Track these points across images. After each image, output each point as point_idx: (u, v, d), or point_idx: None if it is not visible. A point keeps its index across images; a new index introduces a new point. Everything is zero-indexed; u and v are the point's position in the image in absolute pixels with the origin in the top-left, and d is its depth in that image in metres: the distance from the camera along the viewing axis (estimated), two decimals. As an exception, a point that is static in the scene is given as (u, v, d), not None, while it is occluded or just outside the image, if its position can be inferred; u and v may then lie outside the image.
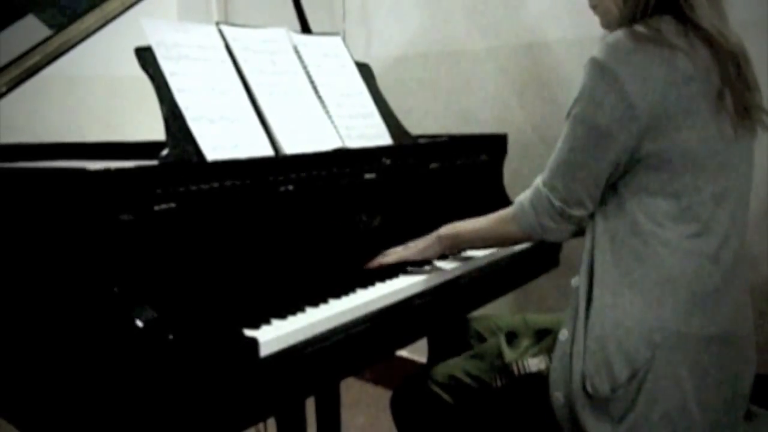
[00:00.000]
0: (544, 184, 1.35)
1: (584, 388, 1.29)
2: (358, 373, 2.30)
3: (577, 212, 1.33)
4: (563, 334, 1.35)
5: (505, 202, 1.45)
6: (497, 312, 1.85)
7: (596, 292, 1.31)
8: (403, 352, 2.65)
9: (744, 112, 1.27)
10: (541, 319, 1.66)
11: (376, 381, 2.69)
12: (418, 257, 1.56)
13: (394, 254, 1.55)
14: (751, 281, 1.42)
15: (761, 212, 1.97)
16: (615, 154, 1.26)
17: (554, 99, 2.38)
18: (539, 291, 2.35)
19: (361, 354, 1.36)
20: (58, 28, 1.77)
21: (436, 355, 1.79)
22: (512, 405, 1.43)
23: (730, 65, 1.25)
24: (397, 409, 1.60)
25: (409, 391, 1.58)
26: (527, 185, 1.41)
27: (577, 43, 2.28)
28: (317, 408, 2.00)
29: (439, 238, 1.56)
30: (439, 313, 1.58)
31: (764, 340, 1.92)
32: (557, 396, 1.33)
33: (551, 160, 1.34)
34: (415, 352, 2.56)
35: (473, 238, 1.56)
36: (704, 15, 1.25)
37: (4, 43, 1.72)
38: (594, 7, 1.39)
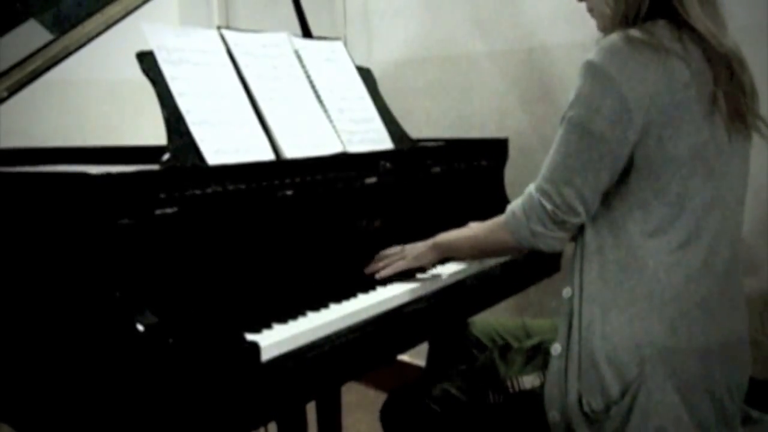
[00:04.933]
0: (537, 189, 1.33)
1: (580, 406, 1.29)
2: (359, 378, 2.30)
3: (570, 219, 1.31)
4: (555, 349, 1.34)
5: (507, 206, 1.44)
6: (497, 315, 1.84)
7: (585, 305, 1.30)
8: (403, 357, 2.65)
9: (737, 115, 1.26)
10: (540, 324, 1.65)
11: (377, 385, 2.69)
12: (413, 265, 1.54)
13: (391, 264, 1.52)
14: (751, 286, 1.42)
15: (761, 215, 1.97)
16: (611, 159, 1.25)
17: (555, 103, 2.38)
18: (539, 294, 2.36)
19: (362, 358, 1.36)
20: (59, 32, 1.77)
21: (435, 359, 1.79)
22: (507, 422, 1.42)
23: (722, 68, 1.24)
24: (387, 421, 1.59)
25: (400, 404, 1.57)
26: (529, 190, 1.41)
27: (578, 47, 2.28)
28: (318, 412, 1.99)
29: (434, 247, 1.54)
30: (440, 317, 1.58)
31: (765, 344, 1.92)
32: (553, 414, 1.33)
33: (545, 166, 1.32)
34: (416, 357, 2.56)
35: (466, 248, 1.53)
36: (698, 18, 1.24)
37: (5, 48, 1.72)
38: (590, 10, 1.38)
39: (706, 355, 1.28)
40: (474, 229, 1.52)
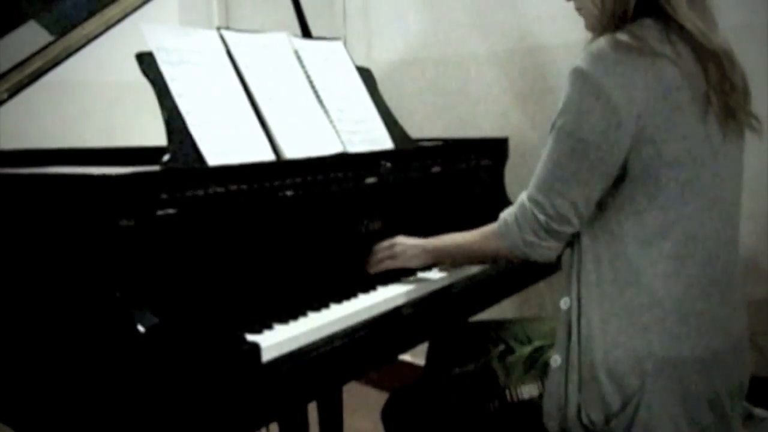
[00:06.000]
0: (530, 200, 1.31)
1: (579, 419, 1.28)
2: (360, 378, 2.30)
3: (564, 229, 1.29)
4: (555, 361, 1.32)
5: (507, 206, 1.44)
6: (497, 315, 1.84)
7: (584, 317, 1.29)
8: (405, 356, 2.65)
9: (728, 113, 1.25)
10: (539, 327, 1.64)
11: (378, 385, 2.69)
12: (403, 265, 1.52)
13: (381, 261, 1.53)
14: (750, 287, 1.41)
15: (761, 215, 1.97)
16: (603, 168, 1.23)
17: (555, 103, 2.35)
18: (539, 294, 2.36)
19: (363, 358, 1.36)
20: (59, 33, 1.77)
21: (435, 360, 1.79)
22: (505, 431, 1.41)
23: (712, 66, 1.23)
24: (389, 421, 1.59)
25: (402, 404, 1.56)
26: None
27: (578, 46, 2.26)
28: (319, 412, 1.99)
29: (425, 250, 1.52)
30: (441, 317, 1.58)
31: (764, 344, 1.92)
32: (552, 426, 1.32)
33: (536, 176, 1.30)
34: (417, 356, 2.55)
35: (458, 253, 1.52)
36: (686, 15, 1.22)
37: (5, 49, 1.72)
38: (579, 9, 1.37)
39: (708, 364, 1.26)
40: (466, 236, 1.50)
